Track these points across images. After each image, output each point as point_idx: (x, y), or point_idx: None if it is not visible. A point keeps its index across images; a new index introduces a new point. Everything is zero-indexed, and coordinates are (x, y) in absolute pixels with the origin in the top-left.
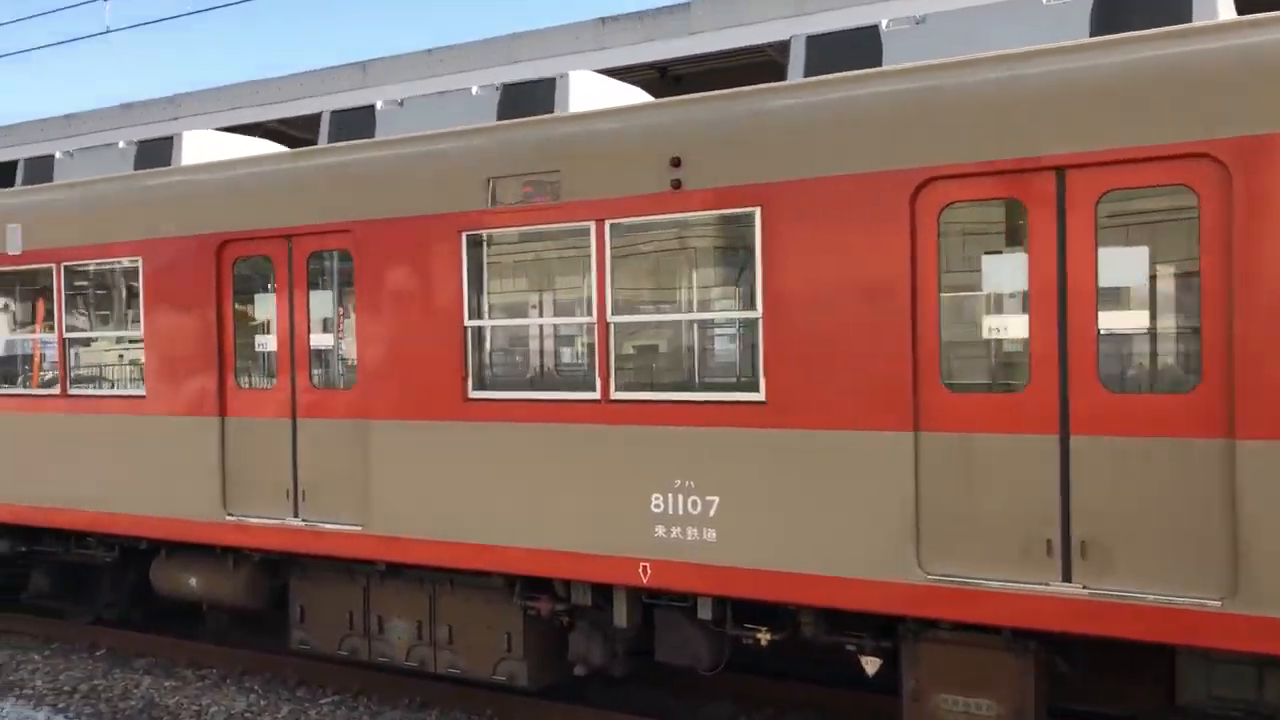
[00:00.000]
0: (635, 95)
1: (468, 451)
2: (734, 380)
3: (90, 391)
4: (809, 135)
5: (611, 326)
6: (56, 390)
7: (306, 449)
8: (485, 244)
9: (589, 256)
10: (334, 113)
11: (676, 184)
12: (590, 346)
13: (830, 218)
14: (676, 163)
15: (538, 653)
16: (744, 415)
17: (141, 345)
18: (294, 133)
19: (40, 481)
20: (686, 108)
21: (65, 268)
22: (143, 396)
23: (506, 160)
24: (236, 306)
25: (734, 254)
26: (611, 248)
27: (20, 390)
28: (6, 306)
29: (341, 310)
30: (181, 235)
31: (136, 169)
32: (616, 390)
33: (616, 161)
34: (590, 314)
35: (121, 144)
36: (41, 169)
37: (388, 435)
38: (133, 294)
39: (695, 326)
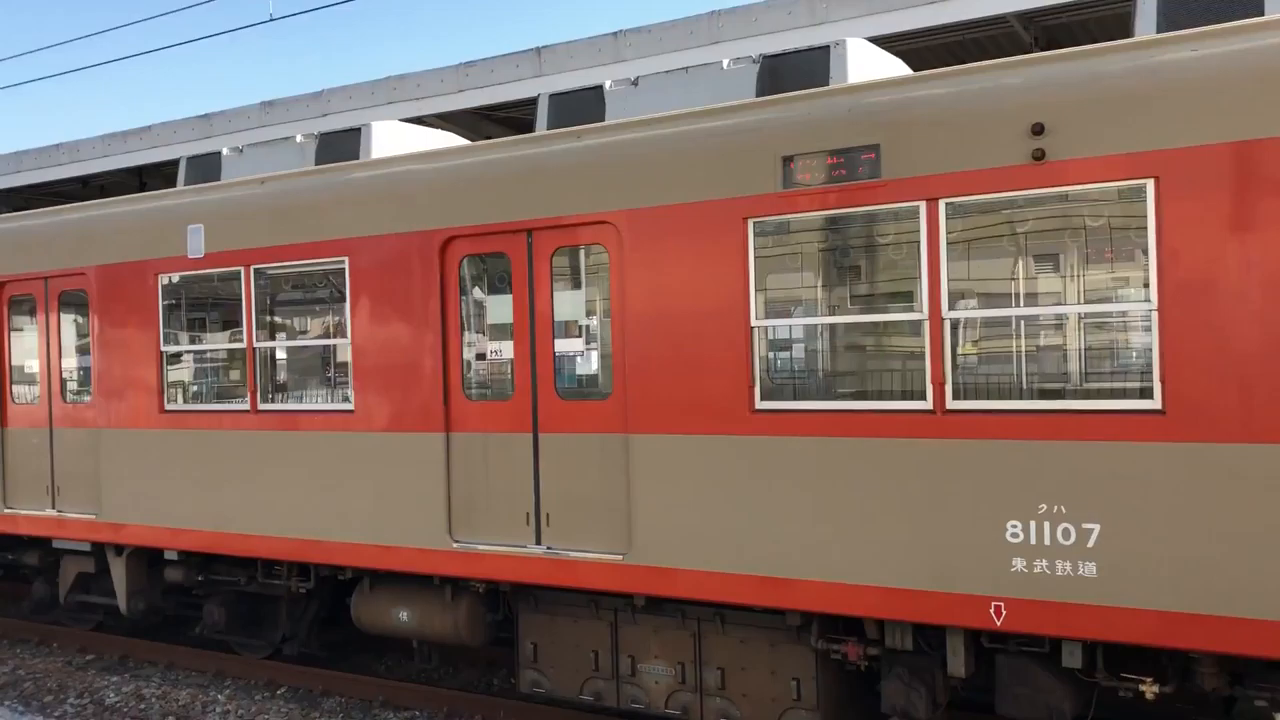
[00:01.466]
0: (895, 65)
1: (754, 471)
2: (1111, 386)
3: (285, 406)
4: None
5: (947, 323)
6: (245, 405)
7: (551, 468)
8: (775, 232)
9: (916, 242)
10: (554, 95)
11: (1038, 155)
12: (912, 349)
13: (1261, 188)
14: (1038, 130)
15: (832, 702)
16: (1134, 427)
17: (347, 355)
18: (449, 127)
19: (226, 506)
20: (1053, 65)
21: (255, 271)
22: (350, 411)
23: (806, 135)
24: (463, 309)
25: (1115, 235)
26: (947, 231)
27: (204, 406)
28: (186, 315)
29: (590, 311)
30: (397, 232)
31: (319, 163)
32: (955, 399)
33: (956, 131)
34: (918, 309)
35: (299, 137)
36: (206, 167)
37: (654, 452)
38: (335, 298)
39: (1061, 322)
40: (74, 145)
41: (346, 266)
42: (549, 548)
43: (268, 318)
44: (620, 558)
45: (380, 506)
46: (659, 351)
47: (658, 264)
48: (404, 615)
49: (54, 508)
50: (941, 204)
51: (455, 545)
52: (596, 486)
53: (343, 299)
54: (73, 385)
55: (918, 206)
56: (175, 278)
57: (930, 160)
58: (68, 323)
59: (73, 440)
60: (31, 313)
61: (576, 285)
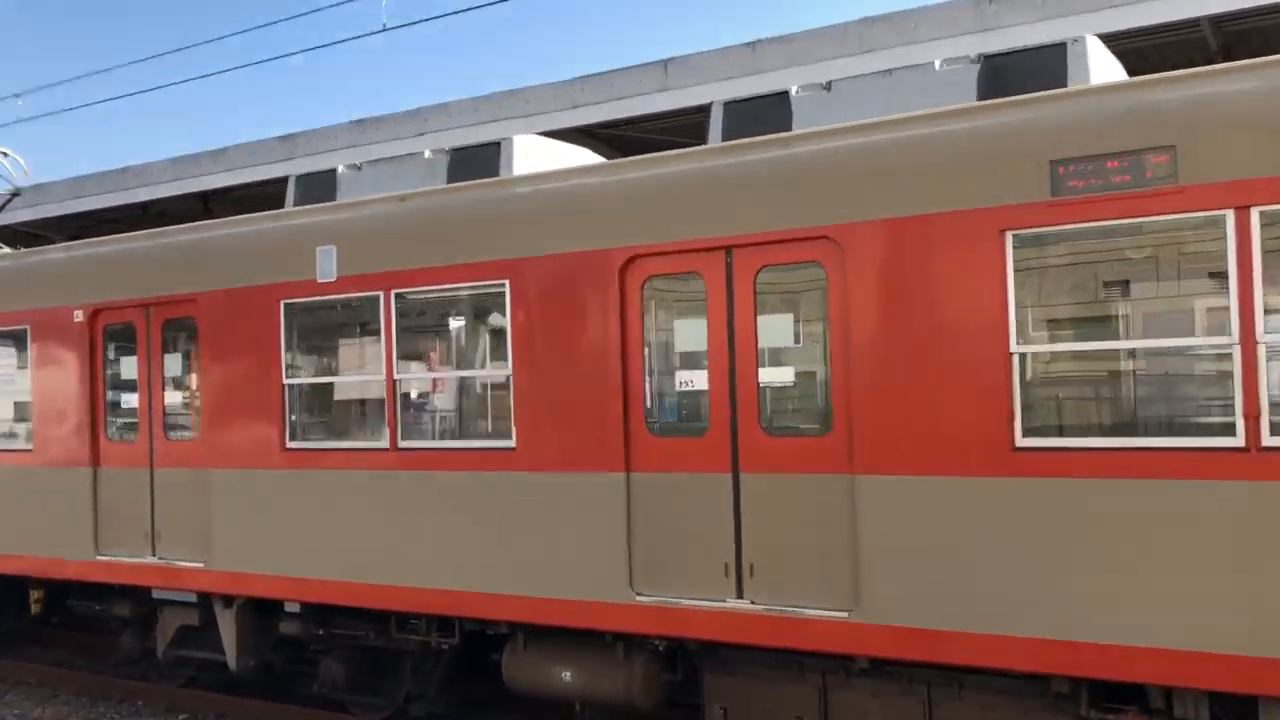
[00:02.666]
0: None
1: (1017, 517)
2: None
3: (430, 444)
4: None
5: (1263, 348)
6: (383, 443)
7: (755, 512)
8: (1038, 244)
9: (1223, 255)
10: (729, 103)
11: None
12: (1211, 376)
13: None
14: None
15: None
16: None
17: (508, 386)
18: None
19: (360, 553)
20: None
21: (396, 295)
22: (511, 449)
23: (1079, 137)
24: (646, 335)
25: None
26: (1263, 241)
27: (334, 444)
28: (310, 344)
29: (802, 337)
30: (569, 251)
31: (451, 180)
32: (1273, 435)
33: (1275, 131)
34: (1224, 332)
35: (427, 153)
36: (320, 186)
37: (888, 495)
38: (492, 324)
39: None
40: (143, 169)
41: (508, 290)
42: (753, 602)
43: (409, 347)
44: (845, 615)
45: (547, 555)
46: (893, 382)
47: (890, 283)
48: (567, 675)
49: (155, 554)
50: (1254, 212)
51: (638, 598)
52: (812, 534)
53: (502, 325)
54: (177, 422)
55: (1222, 216)
56: (301, 303)
57: (1242, 163)
58: (172, 353)
59: (177, 481)
60: (130, 343)
61: (785, 308)
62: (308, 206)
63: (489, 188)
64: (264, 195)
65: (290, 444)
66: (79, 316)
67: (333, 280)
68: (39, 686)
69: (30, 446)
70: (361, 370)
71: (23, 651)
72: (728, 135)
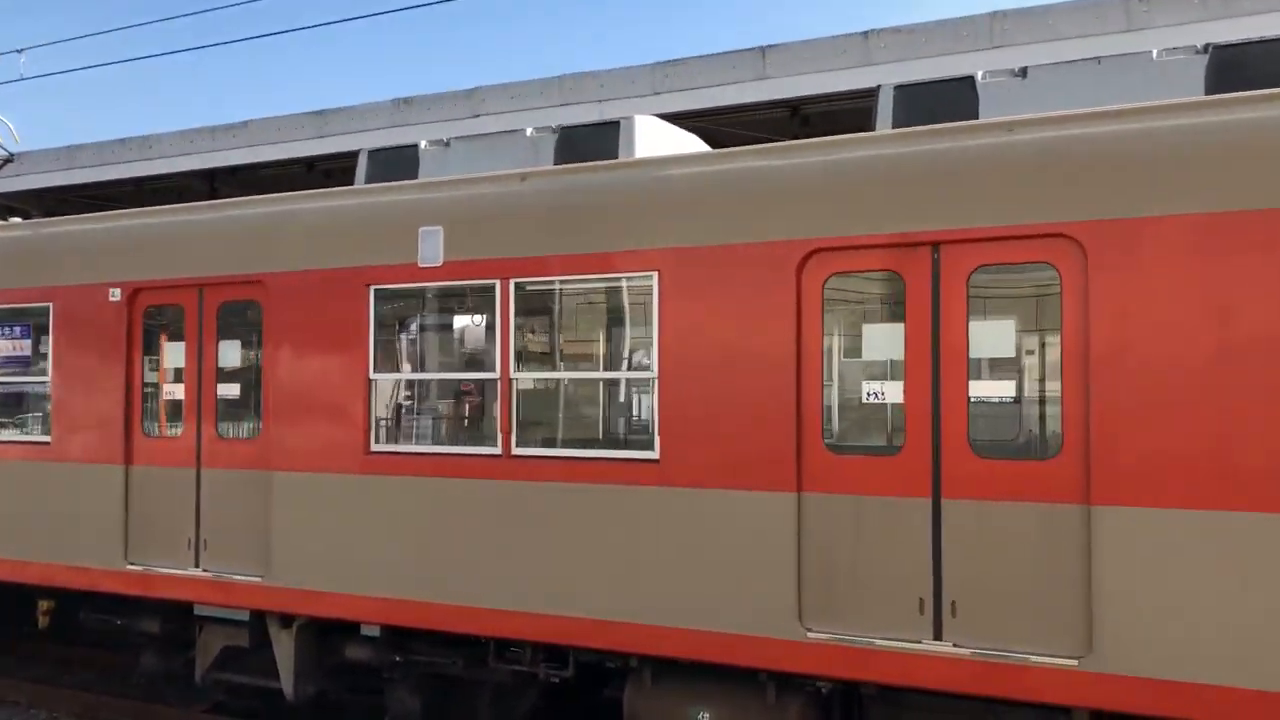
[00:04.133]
0: None
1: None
2: None
3: (550, 452)
4: None
5: None
6: (491, 449)
7: (958, 544)
8: None
9: None
10: (899, 87)
11: None
12: None
13: None
14: None
15: None
16: None
17: (651, 389)
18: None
19: (457, 572)
20: None
21: (516, 285)
22: (653, 461)
23: None
24: (826, 339)
25: None
26: None
27: (431, 449)
28: (409, 337)
29: (1027, 346)
30: (736, 243)
31: (559, 161)
32: None
33: None
34: None
35: (530, 131)
36: (398, 162)
37: (1142, 532)
38: (630, 319)
39: None
40: (146, 140)
41: (656, 282)
42: (955, 644)
43: (528, 343)
44: (1074, 663)
45: (692, 581)
46: (1150, 400)
47: (1153, 289)
48: (705, 716)
49: (198, 566)
50: None
51: (809, 635)
52: (1031, 573)
53: (644, 322)
54: (232, 417)
55: None
56: (396, 289)
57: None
58: (228, 341)
59: (229, 484)
60: (175, 327)
61: (1003, 312)
62: (407, 182)
63: (632, 169)
64: (285, 176)
65: (375, 447)
66: (115, 296)
67: (437, 265)
68: (31, 707)
69: (48, 439)
70: (470, 366)
71: (22, 667)
72: (897, 122)
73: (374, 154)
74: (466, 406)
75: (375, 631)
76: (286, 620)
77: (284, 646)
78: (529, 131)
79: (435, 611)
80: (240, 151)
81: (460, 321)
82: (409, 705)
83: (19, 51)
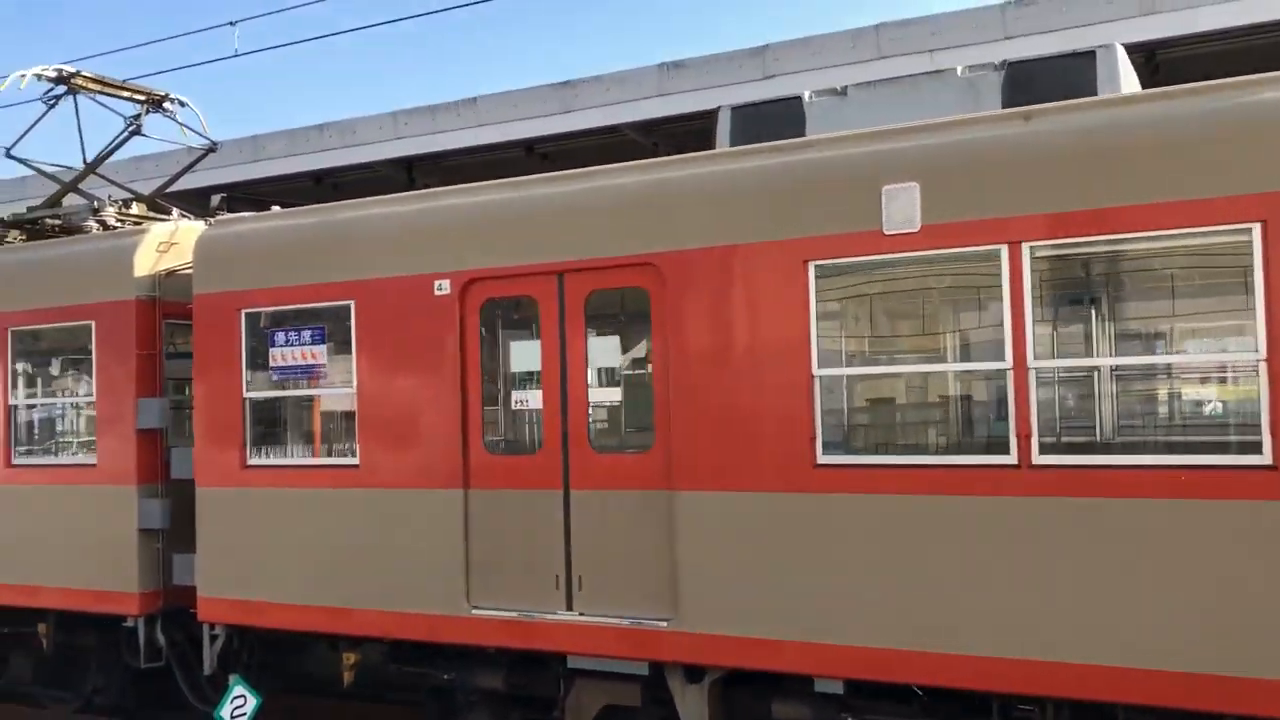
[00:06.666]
0: None
1: None
2: None
3: (1098, 461)
4: None
5: None
6: (1007, 459)
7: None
8: None
9: None
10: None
11: None
12: None
13: None
14: None
15: None
16: None
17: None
18: None
19: (956, 613)
20: None
21: (1031, 250)
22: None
23: None
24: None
25: None
26: None
27: (914, 460)
28: (858, 321)
29: None
30: None
31: (1009, 103)
32: None
33: None
34: None
35: (960, 70)
36: (771, 118)
37: None
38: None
39: None
40: (349, 124)
41: (1260, 236)
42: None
43: (1055, 324)
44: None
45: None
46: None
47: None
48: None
49: (571, 608)
50: None
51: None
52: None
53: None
54: (610, 427)
55: None
56: (847, 264)
57: None
58: (600, 337)
59: (609, 507)
60: (524, 322)
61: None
62: (858, 132)
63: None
64: (509, 160)
65: (824, 459)
66: (442, 288)
67: (912, 231)
68: None
69: (355, 462)
70: (965, 355)
71: None
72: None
73: (740, 111)
74: (953, 403)
75: (838, 687)
76: (694, 673)
77: (693, 704)
78: (959, 71)
79: (947, 664)
80: (466, 132)
81: (943, 298)
82: None
83: (231, 24)
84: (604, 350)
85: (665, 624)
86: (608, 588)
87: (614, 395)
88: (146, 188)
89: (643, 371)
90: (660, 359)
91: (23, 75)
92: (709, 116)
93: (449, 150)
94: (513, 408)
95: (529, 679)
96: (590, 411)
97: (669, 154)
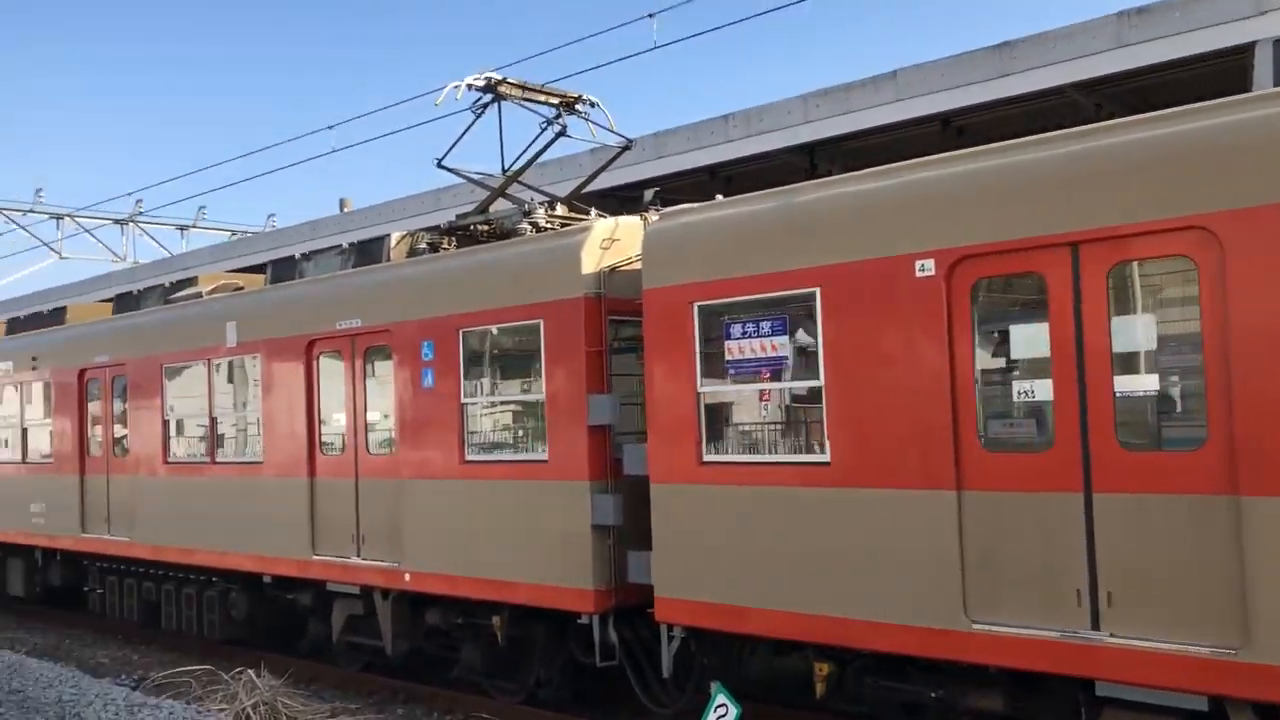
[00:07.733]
0: None
1: None
2: None
3: None
4: None
5: None
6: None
7: None
8: None
9: None
10: None
11: None
12: None
13: None
14: None
15: None
16: None
17: None
18: None
19: None
20: None
21: None
22: None
23: None
24: None
25: None
26: None
27: None
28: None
29: None
30: None
31: None
32: None
33: None
34: None
35: None
36: None
37: None
38: None
39: None
40: (755, 113)
41: None
42: None
43: None
44: None
45: None
46: None
47: None
48: None
49: (1099, 628)
50: None
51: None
52: None
53: None
54: (1138, 418)
55: None
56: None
57: None
58: (1125, 316)
59: (1145, 512)
60: (1028, 304)
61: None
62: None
63: None
64: (920, 136)
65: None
66: (926, 269)
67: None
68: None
69: (826, 459)
70: None
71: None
72: None
73: None
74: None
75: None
76: (1268, 712)
77: None
78: None
79: None
80: (875, 111)
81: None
82: None
83: (650, 16)
84: (1135, 331)
85: (1232, 653)
86: (1147, 606)
87: (1147, 384)
88: (553, 191)
89: (1183, 355)
90: (1215, 338)
91: (457, 86)
92: (1183, 66)
93: (857, 131)
94: (1014, 400)
95: (1037, 703)
96: (1116, 403)
97: (1113, 117)
